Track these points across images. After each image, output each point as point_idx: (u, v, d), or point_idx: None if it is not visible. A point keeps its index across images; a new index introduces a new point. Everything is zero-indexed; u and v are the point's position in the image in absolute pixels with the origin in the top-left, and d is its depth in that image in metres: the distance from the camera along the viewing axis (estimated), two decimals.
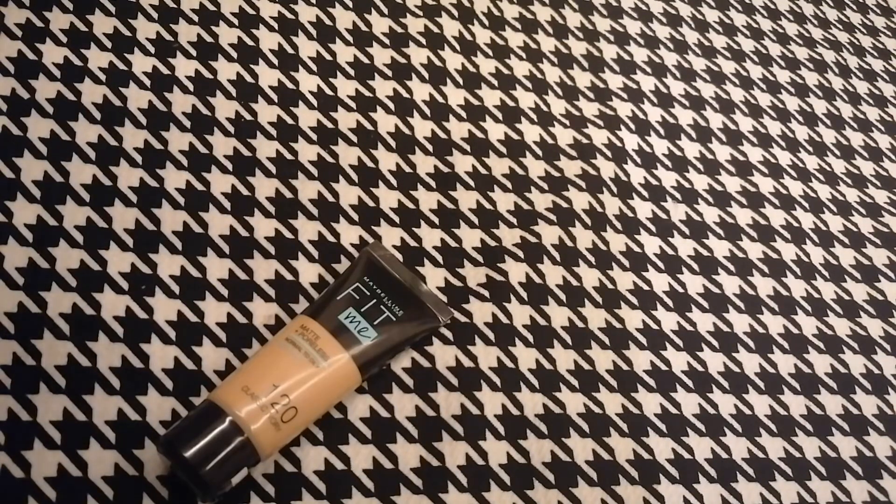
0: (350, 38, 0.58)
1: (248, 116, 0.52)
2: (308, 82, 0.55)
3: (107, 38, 0.52)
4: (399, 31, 0.59)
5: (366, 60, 0.57)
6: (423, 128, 0.56)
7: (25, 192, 0.46)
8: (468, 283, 0.51)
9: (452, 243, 0.52)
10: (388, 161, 0.54)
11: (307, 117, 0.53)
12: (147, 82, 0.51)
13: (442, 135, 0.56)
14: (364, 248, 0.49)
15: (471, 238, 0.53)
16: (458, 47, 0.60)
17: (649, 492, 0.48)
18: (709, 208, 0.60)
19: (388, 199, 0.53)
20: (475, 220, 0.54)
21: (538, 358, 0.50)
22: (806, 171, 0.65)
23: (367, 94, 0.56)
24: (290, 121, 0.53)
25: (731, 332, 0.56)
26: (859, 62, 0.74)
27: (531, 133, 0.58)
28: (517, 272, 0.52)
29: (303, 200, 0.51)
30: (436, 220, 0.53)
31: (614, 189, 0.58)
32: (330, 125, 0.54)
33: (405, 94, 0.57)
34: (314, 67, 0.55)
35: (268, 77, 0.54)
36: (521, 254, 0.53)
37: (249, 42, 0.55)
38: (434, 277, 0.51)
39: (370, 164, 0.53)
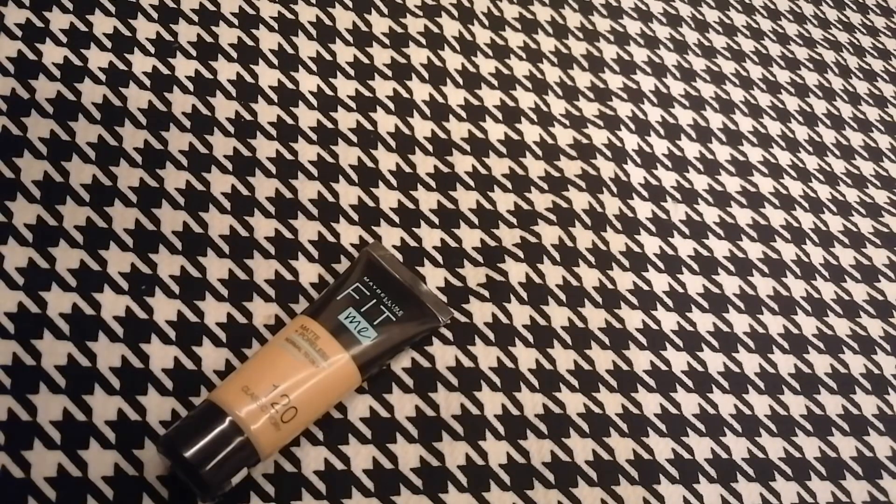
0: (350, 38, 0.58)
1: (248, 116, 0.52)
2: (308, 82, 0.55)
3: (107, 38, 0.52)
4: (399, 31, 0.59)
5: (366, 60, 0.57)
6: (423, 128, 0.56)
7: (25, 192, 0.46)
8: (468, 283, 0.51)
9: (452, 243, 0.52)
10: (388, 161, 0.54)
11: (307, 117, 0.53)
12: (147, 82, 0.51)
13: (442, 135, 0.56)
14: (364, 248, 0.50)
15: (471, 238, 0.53)
16: (458, 47, 0.60)
17: (649, 492, 0.48)
18: (709, 208, 0.60)
19: (388, 199, 0.53)
20: (475, 220, 0.54)
21: (538, 358, 0.50)
22: (806, 171, 0.65)
23: (367, 94, 0.56)
24: (290, 121, 0.53)
25: (731, 332, 0.56)
26: (859, 62, 0.74)
27: (531, 133, 0.58)
28: (517, 272, 0.52)
29: (303, 200, 0.51)
30: (436, 220, 0.53)
31: (614, 189, 0.58)
32: (330, 125, 0.54)
33: (405, 94, 0.57)
34: (314, 67, 0.55)
35: (268, 77, 0.54)
36: (521, 254, 0.53)
37: (249, 42, 0.55)
38: (434, 277, 0.51)
39: (370, 164, 0.53)
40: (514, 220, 0.54)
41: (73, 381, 0.42)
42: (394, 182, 0.53)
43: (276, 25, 0.56)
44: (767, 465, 0.52)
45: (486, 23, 0.62)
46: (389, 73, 0.57)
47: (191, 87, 0.52)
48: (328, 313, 0.44)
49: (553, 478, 0.47)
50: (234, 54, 0.54)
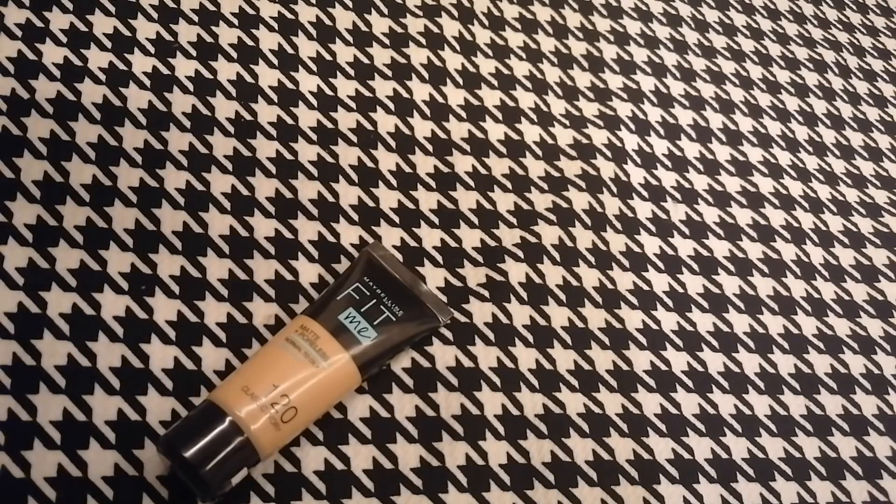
0: (350, 38, 0.58)
1: (248, 116, 0.52)
2: (308, 82, 0.55)
3: (107, 38, 0.52)
4: (399, 31, 0.59)
5: (366, 60, 0.57)
6: (423, 128, 0.56)
7: (25, 192, 0.46)
8: (468, 283, 0.51)
9: (452, 243, 0.52)
10: (388, 161, 0.54)
11: (307, 117, 0.53)
12: (147, 82, 0.51)
13: (442, 135, 0.56)
14: (364, 248, 0.50)
15: (471, 238, 0.53)
16: (458, 47, 0.60)
17: (649, 492, 0.48)
18: (709, 208, 0.60)
19: (388, 199, 0.53)
20: (475, 220, 0.54)
21: (538, 358, 0.50)
22: (806, 171, 0.65)
23: (367, 94, 0.56)
24: (290, 121, 0.53)
25: (731, 332, 0.56)
26: (859, 62, 0.74)
27: (531, 133, 0.58)
28: (517, 272, 0.52)
29: (303, 200, 0.51)
30: (436, 220, 0.53)
31: (614, 189, 0.58)
32: (330, 125, 0.54)
33: (405, 94, 0.57)
34: (314, 67, 0.55)
35: (268, 77, 0.54)
36: (521, 254, 0.53)
37: (249, 42, 0.55)
38: (434, 277, 0.51)
39: (370, 164, 0.53)
40: (514, 220, 0.54)
41: (73, 381, 0.42)
42: (394, 182, 0.53)
43: (276, 25, 0.56)
44: (767, 465, 0.52)
45: (486, 23, 0.62)
46: (389, 73, 0.57)
47: (191, 87, 0.52)
48: (328, 313, 0.44)
49: (553, 478, 0.47)
50: (234, 54, 0.54)
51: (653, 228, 0.58)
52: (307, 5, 0.58)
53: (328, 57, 0.56)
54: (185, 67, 0.52)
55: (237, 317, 0.46)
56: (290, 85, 0.54)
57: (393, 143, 0.55)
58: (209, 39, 0.54)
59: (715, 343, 0.55)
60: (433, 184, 0.54)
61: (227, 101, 0.52)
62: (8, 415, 0.40)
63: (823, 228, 0.63)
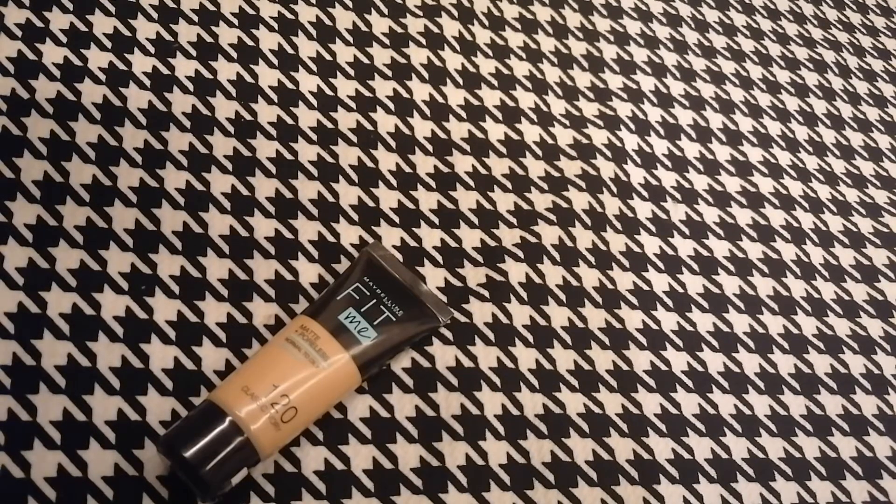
0: (350, 38, 0.58)
1: (248, 116, 0.52)
2: (308, 82, 0.55)
3: (107, 38, 0.52)
4: (399, 31, 0.59)
5: (366, 60, 0.57)
6: (423, 128, 0.56)
7: (25, 192, 0.46)
8: (468, 283, 0.51)
9: (452, 243, 0.52)
10: (388, 161, 0.54)
11: (307, 117, 0.53)
12: (147, 82, 0.51)
13: (442, 135, 0.56)
14: (364, 248, 0.50)
15: (471, 238, 0.53)
16: (458, 47, 0.60)
17: (649, 492, 0.48)
18: (709, 208, 0.60)
19: (388, 199, 0.53)
20: (475, 220, 0.54)
21: (538, 358, 0.50)
22: (806, 171, 0.65)
23: (367, 94, 0.56)
24: (290, 121, 0.53)
25: (731, 332, 0.56)
26: (859, 62, 0.74)
27: (531, 133, 0.58)
28: (517, 272, 0.52)
29: (303, 200, 0.51)
30: (436, 220, 0.53)
31: (614, 189, 0.58)
32: (330, 125, 0.54)
33: (405, 94, 0.57)
34: (314, 67, 0.55)
35: (268, 77, 0.54)
36: (521, 254, 0.53)
37: (249, 42, 0.55)
38: (434, 277, 0.51)
39: (370, 164, 0.53)
40: (514, 220, 0.54)
41: (73, 381, 0.42)
42: (394, 182, 0.53)
43: (276, 25, 0.56)
44: (767, 465, 0.52)
45: (486, 23, 0.62)
46: (389, 73, 0.57)
47: (191, 87, 0.52)
48: (328, 313, 0.44)
49: (553, 478, 0.47)
50: (234, 54, 0.54)
51: (653, 228, 0.58)
52: (307, 5, 0.58)
53: (328, 57, 0.56)
54: (185, 67, 0.52)
55: (237, 317, 0.46)
56: (290, 85, 0.54)
57: (393, 143, 0.55)
58: (209, 39, 0.54)
59: (715, 343, 0.55)
60: (433, 184, 0.54)
61: (227, 101, 0.52)
62: (8, 415, 0.40)
63: (823, 228, 0.63)
